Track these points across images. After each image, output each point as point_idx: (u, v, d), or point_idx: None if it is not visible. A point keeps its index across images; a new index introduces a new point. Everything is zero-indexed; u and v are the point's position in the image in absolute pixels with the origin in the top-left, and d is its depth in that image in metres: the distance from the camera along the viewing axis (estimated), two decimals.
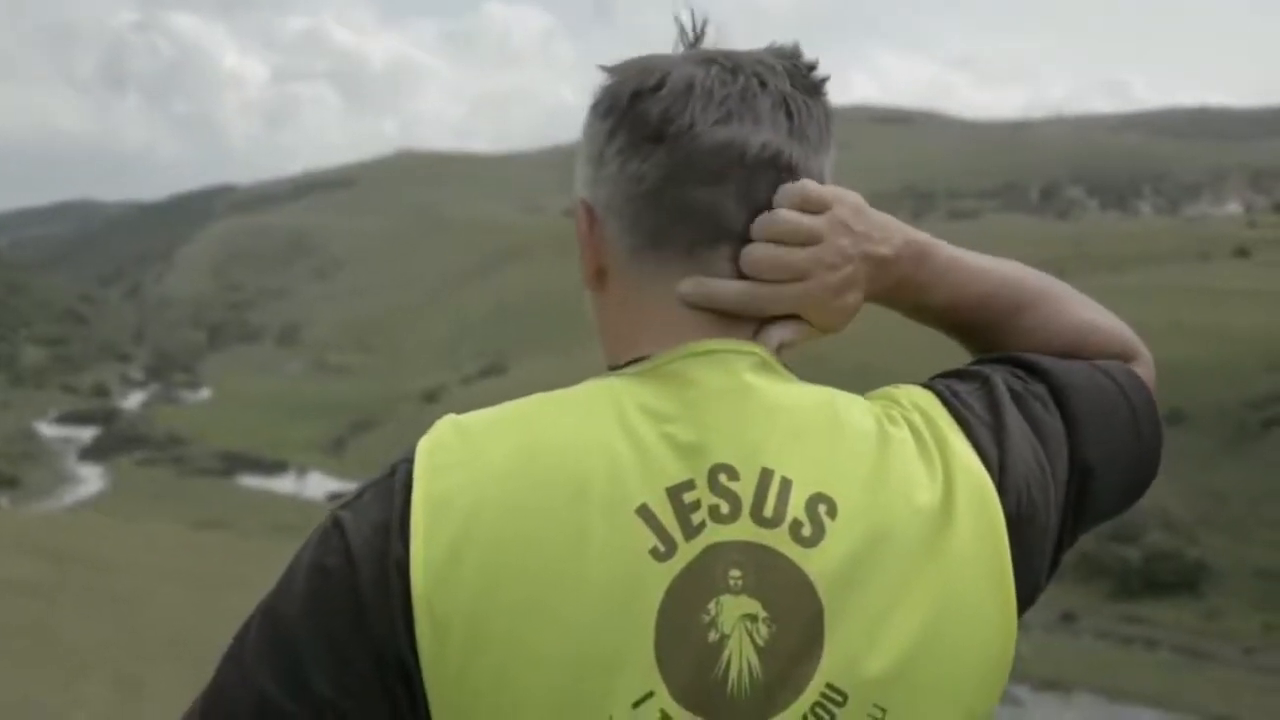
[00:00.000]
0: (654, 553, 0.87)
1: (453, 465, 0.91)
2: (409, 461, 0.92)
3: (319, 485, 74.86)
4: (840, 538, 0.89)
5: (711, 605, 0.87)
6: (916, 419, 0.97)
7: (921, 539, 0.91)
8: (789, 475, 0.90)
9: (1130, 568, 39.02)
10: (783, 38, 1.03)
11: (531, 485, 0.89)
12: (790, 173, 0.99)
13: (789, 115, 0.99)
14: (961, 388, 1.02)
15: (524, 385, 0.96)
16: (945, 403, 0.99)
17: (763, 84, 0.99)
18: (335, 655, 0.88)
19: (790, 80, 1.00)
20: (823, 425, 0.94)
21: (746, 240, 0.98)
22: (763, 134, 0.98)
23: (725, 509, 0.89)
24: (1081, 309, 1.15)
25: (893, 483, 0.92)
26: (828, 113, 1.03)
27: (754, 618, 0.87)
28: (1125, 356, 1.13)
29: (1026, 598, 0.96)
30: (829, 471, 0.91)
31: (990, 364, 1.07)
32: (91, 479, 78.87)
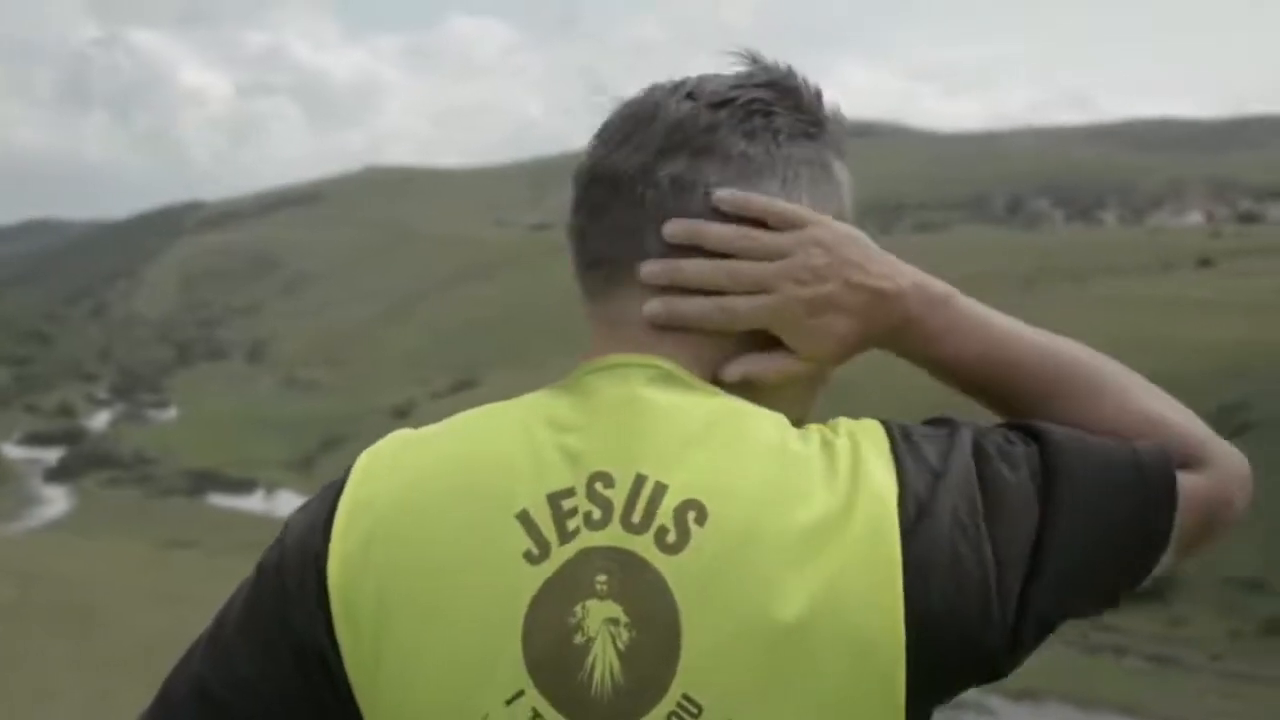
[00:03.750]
0: (527, 556, 0.90)
1: (381, 472, 0.96)
2: (351, 467, 0.99)
3: (288, 504, 74.03)
4: (704, 546, 0.89)
5: (579, 609, 0.89)
6: (839, 442, 0.94)
7: (794, 556, 0.88)
8: (665, 481, 0.91)
9: None
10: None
11: (434, 491, 0.94)
12: (675, 185, 0.98)
13: (681, 130, 0.98)
14: (921, 430, 0.98)
15: (495, 400, 1.01)
16: (889, 435, 0.95)
17: (659, 105, 1.00)
18: (260, 644, 0.95)
19: (710, 98, 0.99)
20: (712, 434, 0.93)
21: (648, 255, 0.99)
22: (641, 155, 0.99)
23: (598, 515, 0.91)
24: (1145, 397, 1.05)
25: (776, 496, 0.90)
26: (759, 126, 0.99)
27: (616, 622, 0.89)
28: (1188, 458, 1.01)
29: (951, 654, 0.90)
30: (708, 480, 0.91)
31: (993, 424, 1.02)
32: (57, 500, 77.89)
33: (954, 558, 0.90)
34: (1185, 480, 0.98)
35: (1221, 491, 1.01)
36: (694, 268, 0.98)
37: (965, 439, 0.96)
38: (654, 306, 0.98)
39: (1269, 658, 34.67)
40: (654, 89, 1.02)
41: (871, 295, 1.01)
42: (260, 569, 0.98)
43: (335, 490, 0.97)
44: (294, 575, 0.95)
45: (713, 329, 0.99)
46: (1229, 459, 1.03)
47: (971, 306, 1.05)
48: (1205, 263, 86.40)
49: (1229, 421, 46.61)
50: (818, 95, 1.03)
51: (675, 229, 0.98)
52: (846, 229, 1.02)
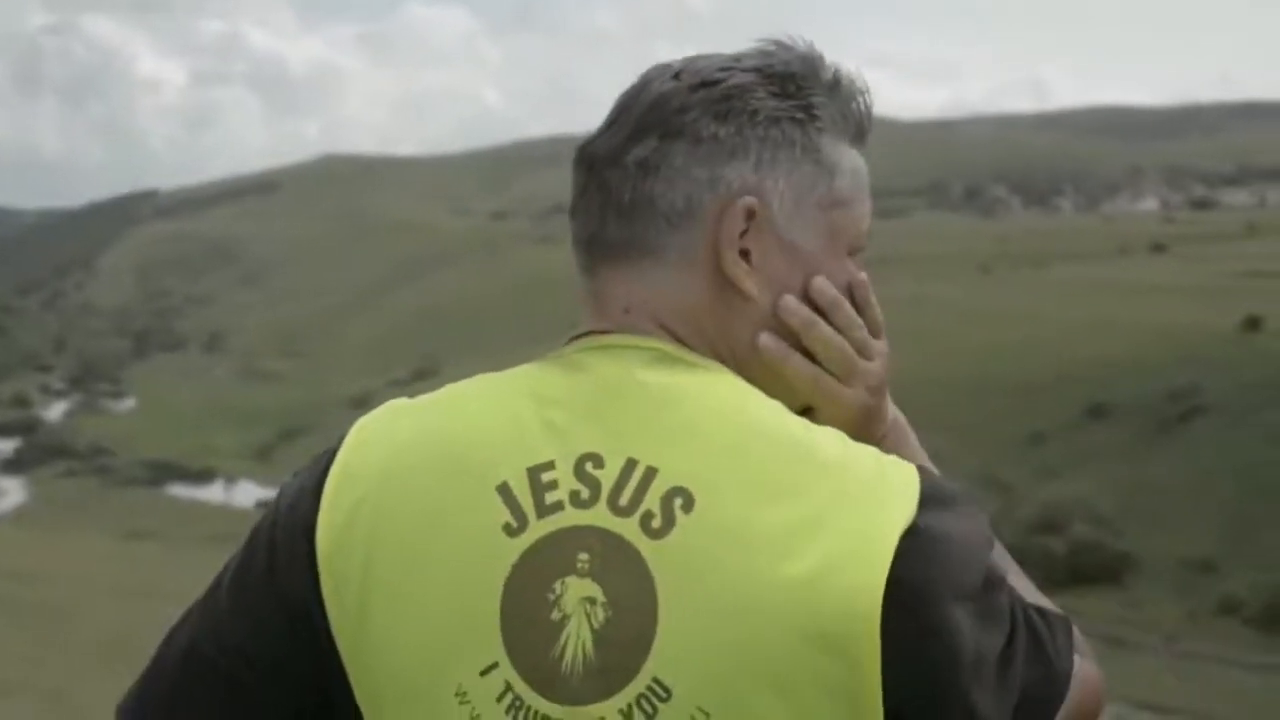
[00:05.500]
0: (506, 528, 0.91)
1: (371, 441, 0.98)
2: (344, 435, 1.00)
3: (248, 493, 73.77)
4: (688, 534, 0.89)
5: (558, 585, 0.89)
6: (858, 447, 0.94)
7: (778, 550, 0.87)
8: (656, 465, 0.91)
9: (1055, 559, 39.57)
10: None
11: (418, 462, 0.95)
12: (640, 168, 0.99)
13: (656, 111, 0.99)
14: (953, 485, 0.98)
15: None
16: (919, 467, 0.95)
17: (645, 86, 1.01)
18: (251, 607, 0.96)
19: (692, 79, 1.00)
20: (710, 419, 0.93)
21: (613, 244, 1.00)
22: (618, 138, 1.00)
23: (585, 494, 0.91)
24: (1024, 586, 1.05)
25: (770, 487, 0.90)
26: (736, 107, 0.99)
27: (593, 601, 0.89)
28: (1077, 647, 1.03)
29: (924, 678, 0.88)
30: (700, 466, 0.91)
31: None
32: (12, 491, 77.10)
33: (941, 596, 0.89)
34: (1079, 662, 0.99)
35: (1100, 682, 1.03)
36: (822, 332, 1.01)
37: (985, 519, 0.97)
38: (768, 342, 1.00)
39: (1224, 639, 35.17)
40: (651, 69, 1.03)
41: (881, 418, 1.09)
42: (253, 534, 0.99)
43: (328, 458, 0.98)
44: (284, 541, 0.96)
45: (794, 382, 1.02)
46: (1094, 660, 1.04)
47: (915, 439, 1.13)
48: (1159, 248, 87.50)
49: (1182, 404, 47.25)
50: (830, 82, 1.03)
51: (820, 285, 1.01)
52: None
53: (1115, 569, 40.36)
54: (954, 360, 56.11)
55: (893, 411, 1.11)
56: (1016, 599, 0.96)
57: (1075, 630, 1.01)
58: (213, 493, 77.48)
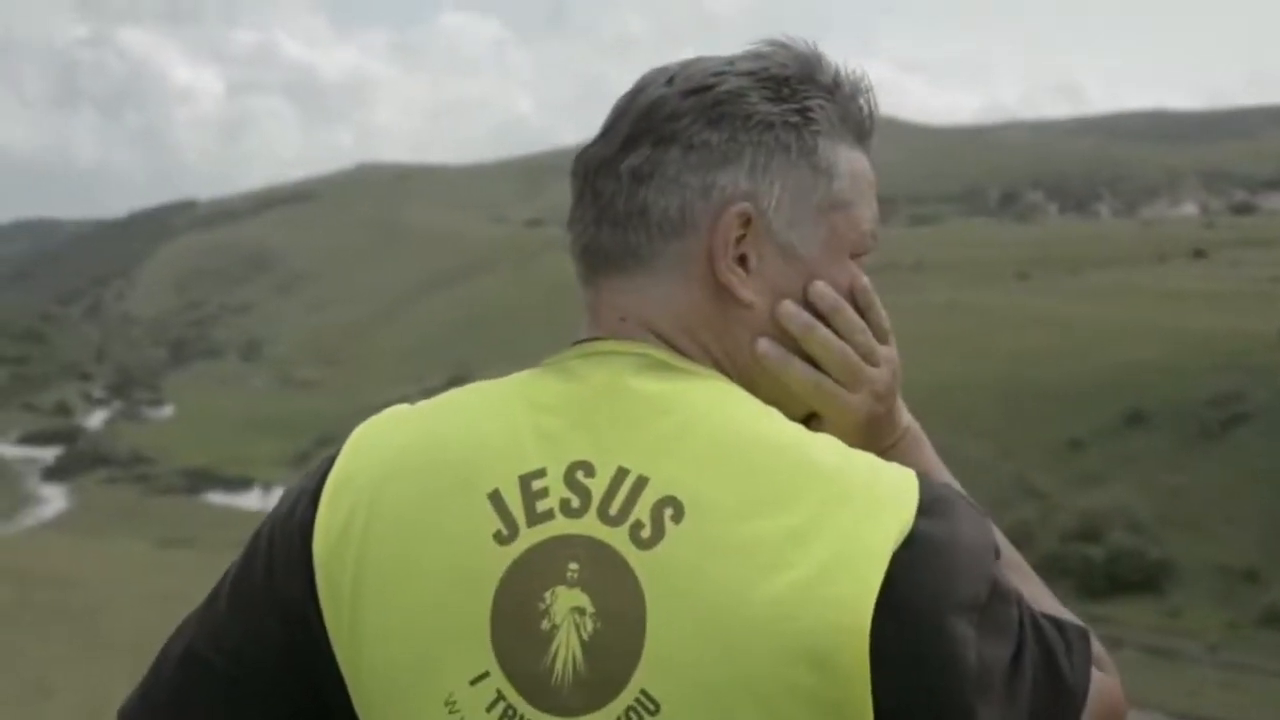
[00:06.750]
0: (497, 536, 0.90)
1: (369, 447, 0.97)
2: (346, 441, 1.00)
3: None
4: (678, 544, 0.87)
5: (548, 594, 0.88)
6: (860, 454, 0.92)
7: (767, 561, 0.86)
8: (647, 474, 0.90)
9: (1094, 567, 39.27)
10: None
11: (411, 467, 0.94)
12: (633, 176, 0.97)
13: (647, 119, 0.98)
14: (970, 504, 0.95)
15: None
16: (919, 476, 0.92)
17: (641, 90, 1.00)
18: (248, 609, 0.96)
19: (684, 84, 0.98)
20: (702, 427, 0.92)
21: (609, 253, 0.99)
22: (611, 146, 0.99)
23: (576, 503, 0.90)
24: (1042, 597, 1.01)
25: (761, 497, 0.88)
26: (728, 113, 0.97)
27: (583, 611, 0.87)
28: (1095, 660, 0.99)
29: (918, 697, 0.85)
30: (691, 476, 0.89)
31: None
32: (54, 499, 77.81)
33: (940, 606, 0.86)
34: (1098, 676, 0.96)
35: (1121, 698, 0.98)
36: (822, 336, 1.00)
37: (990, 526, 0.96)
38: (767, 348, 0.99)
39: (1266, 649, 34.74)
40: (647, 74, 1.02)
41: (892, 426, 1.06)
42: (254, 538, 0.99)
43: (328, 463, 0.98)
44: (282, 544, 0.96)
45: (795, 388, 1.01)
46: (1117, 674, 1.00)
47: (930, 450, 1.10)
48: (1200, 254, 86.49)
49: (1222, 411, 46.73)
50: (829, 83, 1.01)
51: (820, 289, 1.00)
52: (899, 366, 1.06)
53: (1155, 577, 39.96)
54: (991, 366, 55.75)
55: (906, 420, 1.08)
56: (1027, 610, 0.92)
57: (1095, 642, 0.98)
58: (249, 500, 77.78)
